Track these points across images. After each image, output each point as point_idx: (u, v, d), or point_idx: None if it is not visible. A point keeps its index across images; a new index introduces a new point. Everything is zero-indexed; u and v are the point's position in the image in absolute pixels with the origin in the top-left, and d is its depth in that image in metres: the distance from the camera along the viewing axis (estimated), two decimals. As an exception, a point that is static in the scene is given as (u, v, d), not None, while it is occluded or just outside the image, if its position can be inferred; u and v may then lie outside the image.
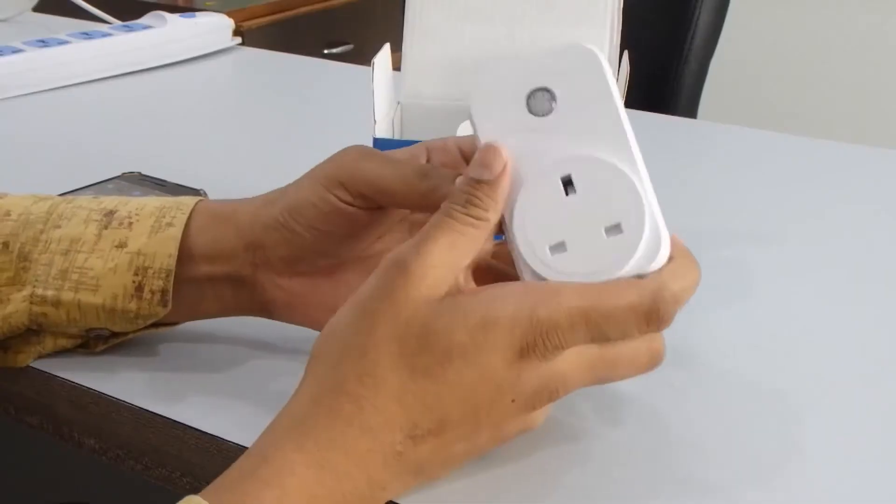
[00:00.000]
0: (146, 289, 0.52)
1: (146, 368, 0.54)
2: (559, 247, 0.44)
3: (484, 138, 0.46)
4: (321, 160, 0.51)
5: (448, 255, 0.43)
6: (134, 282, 0.52)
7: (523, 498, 0.46)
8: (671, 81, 1.37)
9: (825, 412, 0.51)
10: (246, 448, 0.43)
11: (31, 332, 0.54)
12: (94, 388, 0.53)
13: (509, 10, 0.64)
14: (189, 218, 0.53)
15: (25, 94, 0.98)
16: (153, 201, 0.54)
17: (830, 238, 0.70)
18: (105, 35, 1.05)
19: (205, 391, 0.53)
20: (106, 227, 0.53)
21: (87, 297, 0.52)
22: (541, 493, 0.46)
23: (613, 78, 0.45)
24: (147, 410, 0.52)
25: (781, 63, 2.33)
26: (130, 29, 1.07)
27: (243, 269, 0.52)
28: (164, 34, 1.07)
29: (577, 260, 0.44)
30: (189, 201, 0.54)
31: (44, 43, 1.01)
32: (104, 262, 0.52)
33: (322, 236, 0.51)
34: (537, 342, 0.41)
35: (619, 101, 0.45)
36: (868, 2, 2.22)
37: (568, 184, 0.44)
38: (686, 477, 0.47)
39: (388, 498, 0.43)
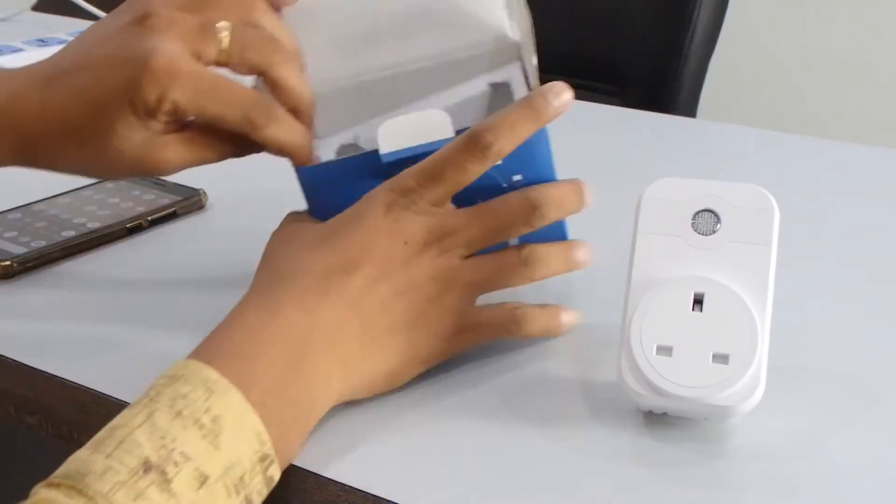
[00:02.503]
0: None
1: (145, 369, 0.54)
2: (666, 350, 0.47)
3: (642, 232, 0.50)
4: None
5: None
6: None
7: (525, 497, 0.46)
8: (670, 80, 1.36)
9: (825, 412, 0.51)
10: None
11: None
12: (94, 388, 0.54)
13: None
14: None
15: (25, 94, 0.97)
16: None
17: (830, 237, 0.70)
18: (104, 34, 1.04)
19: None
20: None
21: None
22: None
23: (778, 227, 0.48)
24: (147, 410, 0.51)
25: (780, 62, 2.33)
26: (130, 28, 1.07)
27: None
28: (164, 33, 1.07)
29: (677, 369, 0.47)
30: None
31: (43, 42, 1.01)
32: None
33: None
34: (395, 196, 0.52)
35: (775, 249, 0.48)
36: (868, 1, 2.22)
37: (698, 301, 0.47)
38: (697, 477, 0.47)
39: (328, 327, 0.49)
